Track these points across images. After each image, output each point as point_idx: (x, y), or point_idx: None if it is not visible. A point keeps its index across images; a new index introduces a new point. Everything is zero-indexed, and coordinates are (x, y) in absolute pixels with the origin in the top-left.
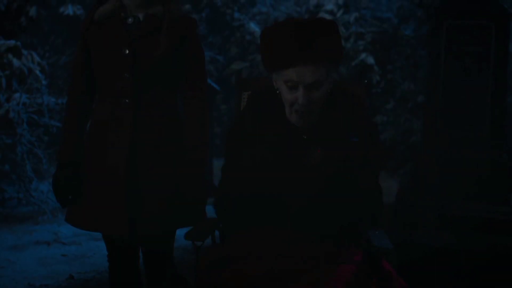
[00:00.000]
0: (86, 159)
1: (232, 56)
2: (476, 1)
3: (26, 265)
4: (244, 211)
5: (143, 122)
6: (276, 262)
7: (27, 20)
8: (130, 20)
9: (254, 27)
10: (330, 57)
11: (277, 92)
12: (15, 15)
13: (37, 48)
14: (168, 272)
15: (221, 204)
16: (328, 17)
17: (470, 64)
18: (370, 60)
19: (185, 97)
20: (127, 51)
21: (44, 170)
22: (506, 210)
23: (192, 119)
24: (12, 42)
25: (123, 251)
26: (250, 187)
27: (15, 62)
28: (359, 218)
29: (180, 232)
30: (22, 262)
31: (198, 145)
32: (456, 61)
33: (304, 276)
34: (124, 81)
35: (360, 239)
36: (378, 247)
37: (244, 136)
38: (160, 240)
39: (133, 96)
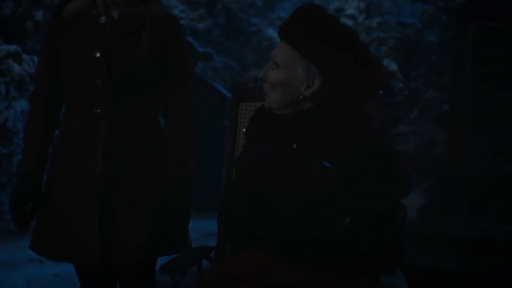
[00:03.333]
0: (53, 176)
1: (248, 63)
2: (504, 2)
3: (15, 284)
4: (243, 218)
5: (119, 135)
6: None
7: (33, 25)
8: (103, 19)
9: (271, 33)
10: (307, 49)
11: None
12: (21, 20)
13: None
14: None
15: (225, 211)
16: (349, 22)
17: (498, 70)
18: (393, 66)
19: (167, 107)
20: (99, 54)
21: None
22: None
23: (175, 132)
24: (12, 47)
25: (97, 283)
26: (247, 192)
27: (16, 67)
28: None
29: (162, 258)
30: (11, 282)
31: (181, 161)
32: (483, 67)
33: None
34: (96, 89)
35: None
36: None
37: (247, 143)
38: (139, 270)
39: (106, 106)
